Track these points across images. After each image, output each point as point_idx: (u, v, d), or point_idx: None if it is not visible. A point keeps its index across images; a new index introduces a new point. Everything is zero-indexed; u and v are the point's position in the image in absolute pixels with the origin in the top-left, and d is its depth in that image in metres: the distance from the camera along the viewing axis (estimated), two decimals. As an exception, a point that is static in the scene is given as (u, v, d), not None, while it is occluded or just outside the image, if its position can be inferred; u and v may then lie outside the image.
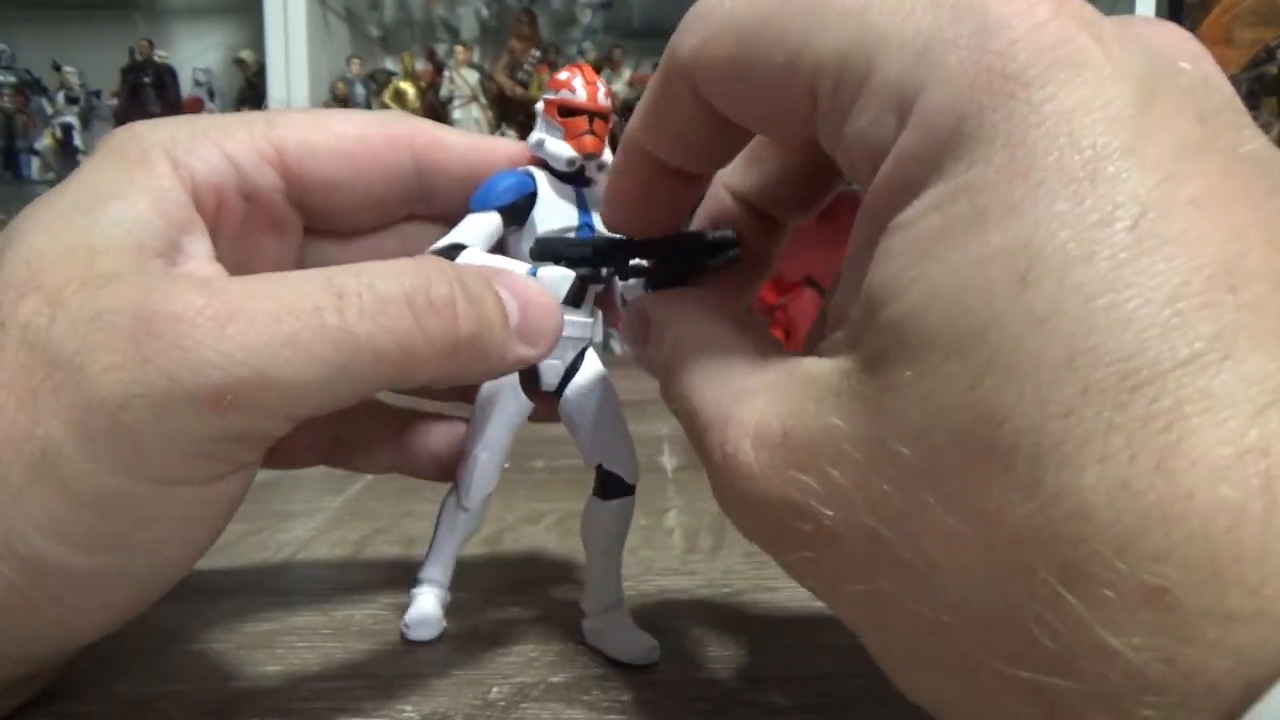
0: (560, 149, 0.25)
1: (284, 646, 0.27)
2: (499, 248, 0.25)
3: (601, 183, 0.26)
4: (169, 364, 0.17)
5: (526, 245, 0.25)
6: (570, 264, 0.24)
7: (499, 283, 0.22)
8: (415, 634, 0.27)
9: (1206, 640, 0.11)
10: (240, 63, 1.53)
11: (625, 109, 1.51)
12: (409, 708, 0.23)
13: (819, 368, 0.17)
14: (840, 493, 0.15)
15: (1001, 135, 0.14)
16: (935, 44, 0.15)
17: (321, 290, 0.19)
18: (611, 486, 0.26)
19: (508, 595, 0.31)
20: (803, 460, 0.16)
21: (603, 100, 0.25)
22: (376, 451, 0.29)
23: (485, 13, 1.62)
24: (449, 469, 0.29)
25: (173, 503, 0.19)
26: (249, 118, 0.24)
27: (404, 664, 0.26)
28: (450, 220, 0.25)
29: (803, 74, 0.17)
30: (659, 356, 0.21)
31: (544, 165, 0.26)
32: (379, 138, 0.25)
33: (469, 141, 0.26)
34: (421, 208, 0.27)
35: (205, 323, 0.17)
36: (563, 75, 0.25)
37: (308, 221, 0.26)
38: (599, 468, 0.26)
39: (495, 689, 0.24)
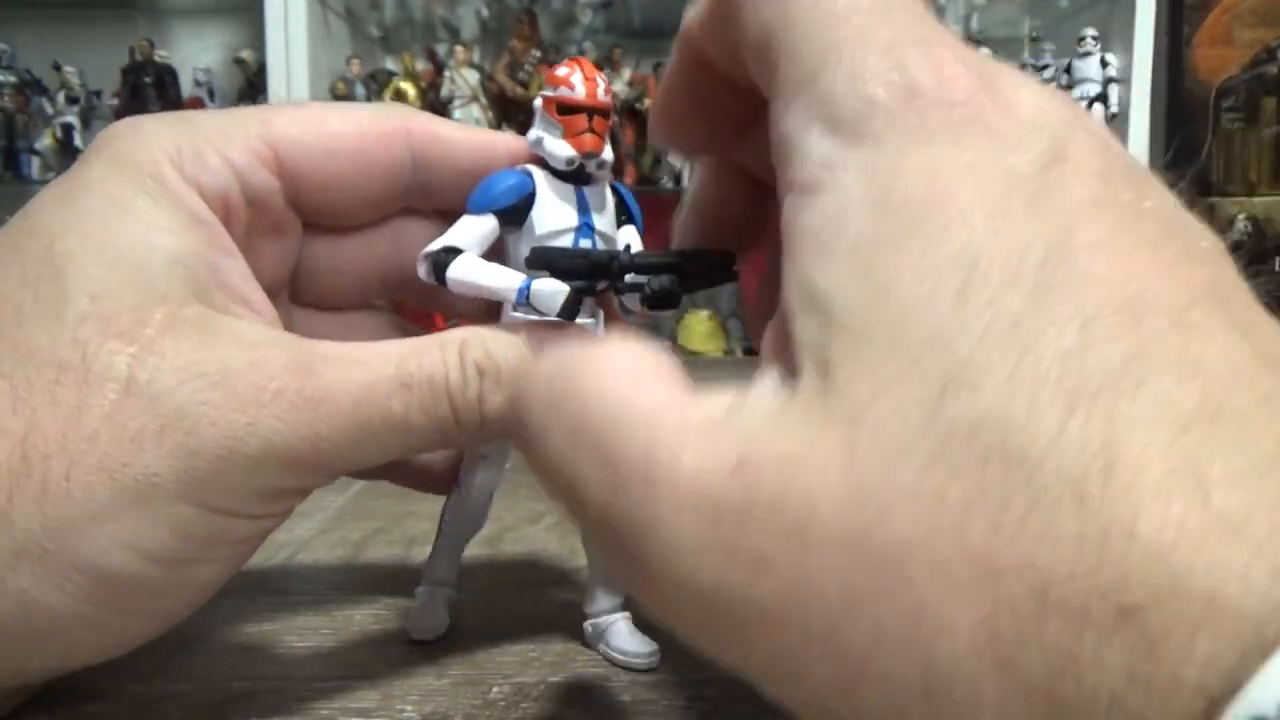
0: (559, 148, 0.25)
1: (284, 646, 0.27)
2: (497, 247, 0.25)
3: (602, 181, 0.26)
4: (270, 433, 0.20)
5: (525, 246, 0.25)
6: (564, 276, 0.24)
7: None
8: (420, 634, 0.27)
9: (1175, 656, 0.12)
10: (240, 63, 1.53)
11: (625, 109, 1.51)
12: (409, 708, 0.23)
13: (761, 398, 0.15)
14: (799, 534, 0.14)
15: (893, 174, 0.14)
16: (834, 54, 0.15)
17: (391, 380, 0.21)
18: None
19: (508, 595, 0.31)
20: (766, 500, 0.14)
21: (602, 96, 0.25)
22: None
23: (485, 13, 1.61)
24: (439, 481, 0.28)
25: (234, 531, 0.21)
26: (242, 116, 0.24)
27: (404, 664, 0.26)
28: (447, 214, 0.25)
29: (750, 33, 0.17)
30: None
31: (543, 163, 0.25)
32: (374, 135, 0.25)
33: (466, 135, 0.26)
34: (418, 201, 0.27)
35: (303, 403, 0.20)
36: (561, 71, 0.25)
37: (304, 219, 0.26)
38: None
39: (495, 689, 0.24)
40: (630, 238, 0.27)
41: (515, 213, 0.25)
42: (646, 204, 0.28)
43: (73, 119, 1.52)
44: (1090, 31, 1.46)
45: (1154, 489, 0.12)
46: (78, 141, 1.52)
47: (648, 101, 1.49)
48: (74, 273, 0.20)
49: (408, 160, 0.26)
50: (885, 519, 0.14)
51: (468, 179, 0.25)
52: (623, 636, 0.26)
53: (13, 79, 1.52)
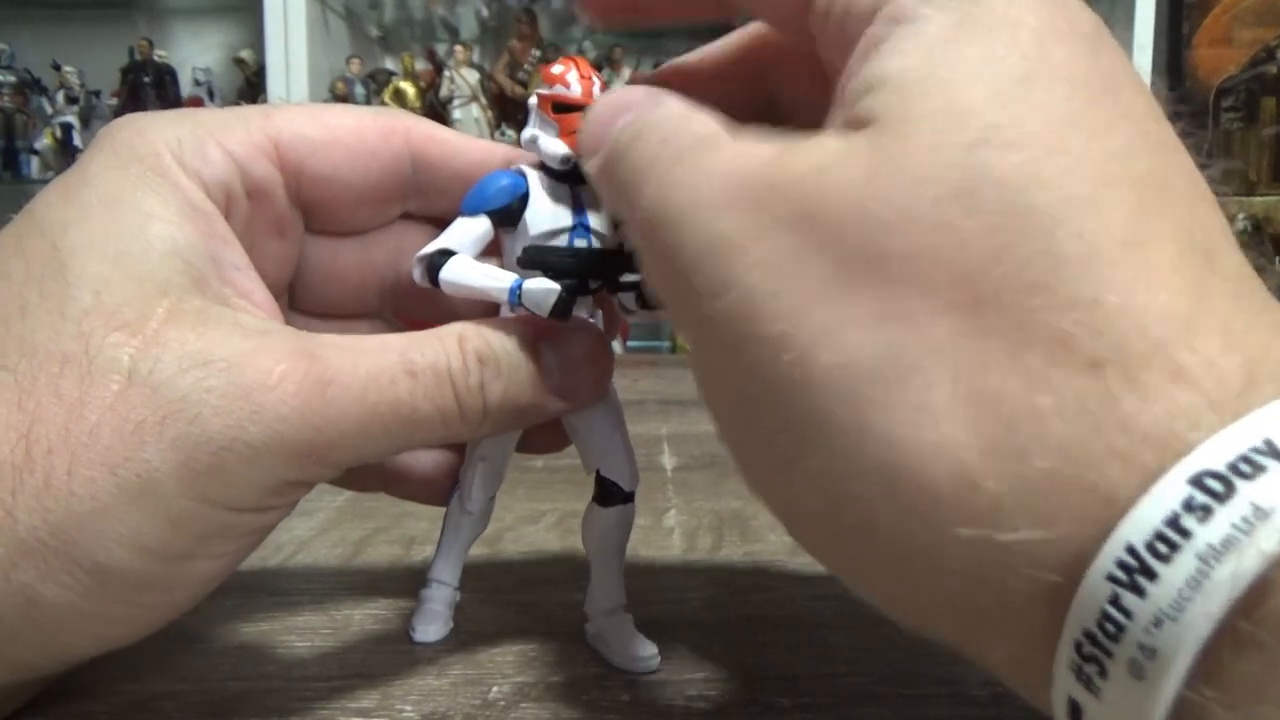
0: (554, 146, 0.24)
1: (284, 646, 0.27)
2: (494, 247, 0.25)
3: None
4: (276, 419, 0.19)
5: (520, 247, 0.25)
6: (556, 276, 0.24)
7: (549, 342, 0.24)
8: (422, 635, 0.27)
9: (1131, 409, 0.13)
10: (240, 62, 1.54)
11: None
12: (409, 708, 0.23)
13: (809, 137, 0.17)
14: (808, 221, 0.16)
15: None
16: None
17: (397, 365, 0.21)
18: (609, 493, 0.26)
19: (508, 595, 0.31)
20: (787, 182, 0.16)
21: (598, 95, 0.24)
22: (365, 471, 0.28)
23: (485, 13, 1.62)
24: (437, 492, 0.28)
25: (237, 525, 0.21)
26: (244, 112, 0.24)
27: (404, 664, 0.26)
28: (446, 221, 0.25)
29: None
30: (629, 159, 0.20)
31: (539, 162, 0.25)
32: (374, 129, 0.25)
33: (465, 139, 0.26)
34: (416, 205, 0.27)
35: (310, 385, 0.20)
36: (556, 69, 0.24)
37: (306, 217, 0.26)
38: (597, 473, 0.26)
39: (495, 689, 0.24)
40: None
41: (509, 213, 0.24)
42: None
43: (72, 119, 1.53)
44: (1090, 31, 1.46)
45: (1153, 283, 0.14)
46: (77, 141, 1.52)
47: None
48: (77, 268, 0.20)
49: (406, 157, 0.25)
50: (886, 228, 0.15)
51: (465, 184, 0.25)
52: (623, 637, 0.26)
53: (12, 79, 1.52)
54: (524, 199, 0.24)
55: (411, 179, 0.26)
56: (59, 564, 0.19)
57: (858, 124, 0.16)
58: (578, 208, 0.25)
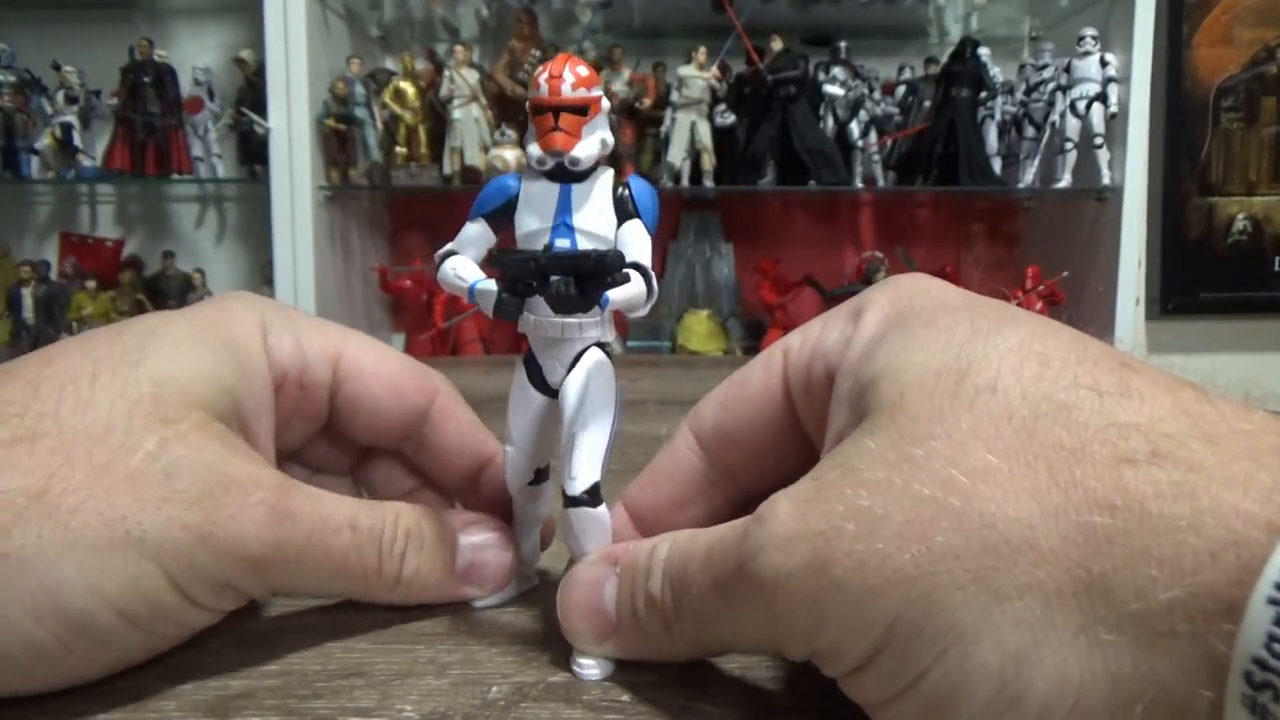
0: (532, 149, 0.25)
1: (284, 646, 0.27)
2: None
3: (597, 177, 0.26)
4: (243, 529, 0.24)
5: (522, 246, 0.26)
6: (501, 279, 0.25)
7: (466, 533, 0.30)
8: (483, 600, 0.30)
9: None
10: (240, 62, 1.53)
11: (624, 108, 1.51)
12: (409, 707, 0.23)
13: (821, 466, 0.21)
14: (874, 486, 0.19)
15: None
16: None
17: (345, 519, 0.26)
18: (564, 495, 0.26)
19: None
20: (833, 492, 0.20)
21: (568, 92, 0.25)
22: None
23: (485, 12, 1.61)
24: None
25: (173, 610, 0.24)
26: (329, 326, 0.31)
27: (404, 664, 0.26)
28: (428, 478, 0.33)
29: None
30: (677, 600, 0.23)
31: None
32: (412, 380, 0.31)
33: (475, 424, 0.32)
34: (411, 449, 0.32)
35: (275, 513, 0.24)
36: (537, 71, 0.25)
37: (331, 416, 0.31)
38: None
39: (495, 689, 0.24)
40: (631, 234, 0.26)
41: (504, 215, 0.26)
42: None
43: (72, 118, 1.52)
44: (1090, 31, 1.46)
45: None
46: (77, 141, 1.52)
47: (647, 101, 1.50)
48: (149, 366, 0.25)
49: (423, 413, 0.31)
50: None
51: (451, 458, 0.32)
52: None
53: (13, 79, 1.52)
54: (514, 201, 0.26)
55: (417, 430, 0.31)
56: (29, 587, 0.21)
57: (873, 408, 0.21)
58: (564, 207, 0.26)
